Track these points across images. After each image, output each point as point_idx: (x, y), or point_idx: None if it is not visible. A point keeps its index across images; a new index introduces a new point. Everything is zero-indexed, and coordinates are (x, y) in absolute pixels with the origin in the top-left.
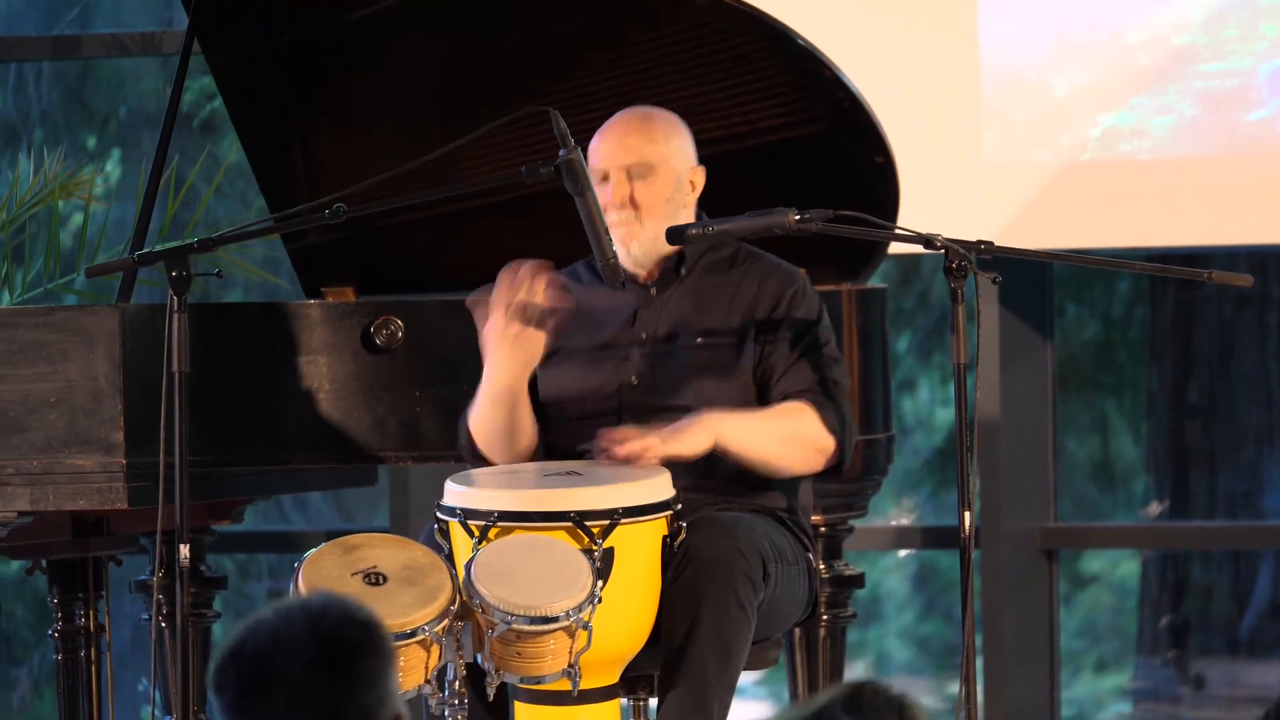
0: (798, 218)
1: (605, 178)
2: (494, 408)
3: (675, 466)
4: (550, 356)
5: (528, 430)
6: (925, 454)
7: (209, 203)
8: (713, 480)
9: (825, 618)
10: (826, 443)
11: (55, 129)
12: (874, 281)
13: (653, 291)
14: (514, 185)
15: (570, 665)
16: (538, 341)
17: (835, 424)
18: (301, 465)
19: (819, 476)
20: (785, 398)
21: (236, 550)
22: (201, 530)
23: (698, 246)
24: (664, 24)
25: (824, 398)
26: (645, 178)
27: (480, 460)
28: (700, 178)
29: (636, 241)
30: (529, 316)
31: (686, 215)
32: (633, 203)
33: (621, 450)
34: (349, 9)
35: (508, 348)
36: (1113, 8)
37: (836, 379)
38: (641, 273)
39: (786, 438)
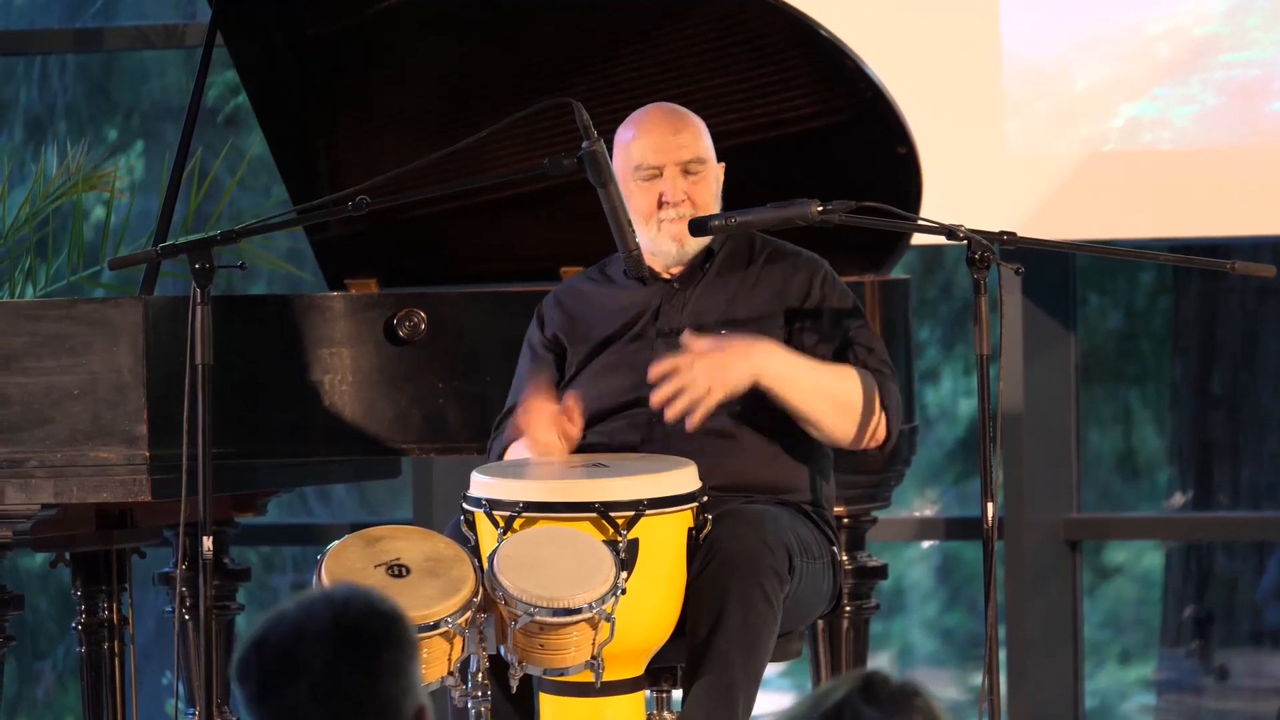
0: (821, 209)
1: (655, 174)
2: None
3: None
4: (576, 357)
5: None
6: (948, 445)
7: (232, 195)
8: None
9: (848, 609)
10: (878, 419)
11: (79, 122)
12: (897, 272)
13: (676, 286)
14: (537, 177)
15: (593, 657)
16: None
17: (891, 405)
18: (324, 458)
19: (849, 460)
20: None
21: (260, 543)
22: (225, 523)
23: (719, 239)
24: (687, 16)
25: (880, 375)
26: (698, 174)
27: None
28: (721, 174)
29: (691, 240)
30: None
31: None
32: (691, 200)
33: (671, 412)
34: (372, 2)
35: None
36: None
37: (886, 359)
38: (666, 268)
39: (835, 397)
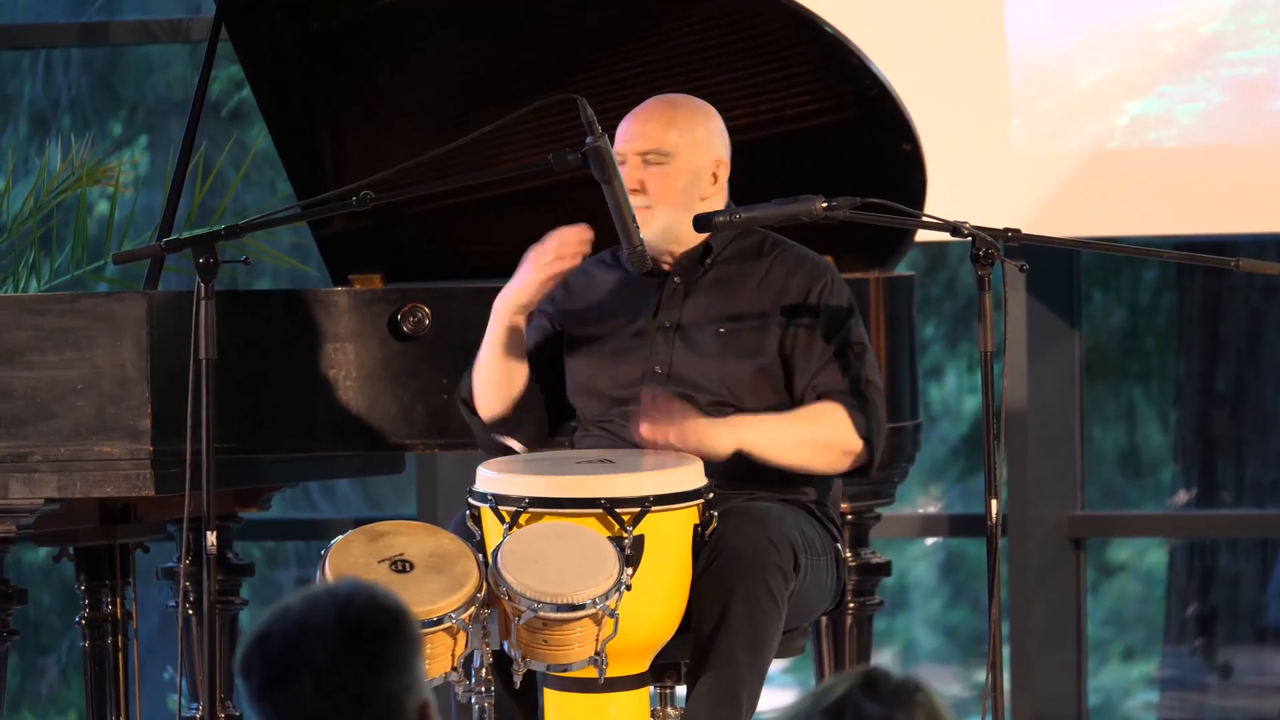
0: (825, 205)
1: (623, 162)
2: (496, 345)
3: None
4: (576, 345)
5: (519, 381)
6: (952, 442)
7: (236, 190)
8: (742, 472)
9: (852, 606)
10: (855, 446)
11: (83, 116)
12: (901, 269)
13: (678, 279)
14: (542, 172)
15: (597, 653)
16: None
17: (866, 428)
18: (329, 453)
19: (845, 474)
20: (820, 396)
21: (264, 538)
22: (228, 517)
23: (725, 235)
24: (693, 12)
25: (858, 399)
26: (660, 165)
27: (470, 408)
28: (724, 172)
29: (646, 228)
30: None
31: (704, 208)
32: (645, 189)
33: (648, 431)
34: None
35: (541, 268)
36: None
37: (870, 378)
38: (666, 261)
39: (814, 442)
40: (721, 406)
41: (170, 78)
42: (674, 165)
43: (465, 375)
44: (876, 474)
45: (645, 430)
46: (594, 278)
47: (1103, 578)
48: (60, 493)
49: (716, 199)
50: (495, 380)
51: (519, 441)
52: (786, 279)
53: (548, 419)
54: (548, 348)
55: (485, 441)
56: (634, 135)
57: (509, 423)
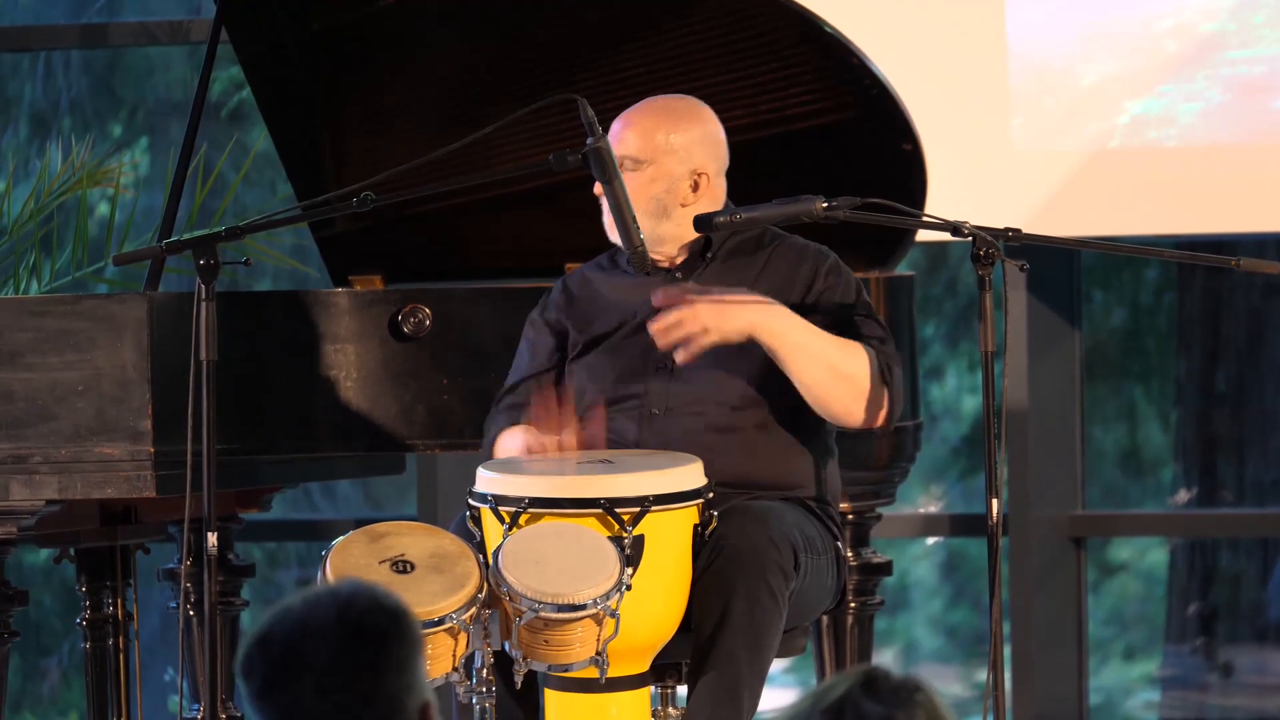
0: (825, 205)
1: None
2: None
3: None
4: (578, 346)
5: None
6: (953, 441)
7: (237, 191)
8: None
9: (853, 605)
10: (878, 391)
11: (84, 118)
12: (901, 269)
13: (678, 276)
14: (542, 173)
15: (598, 653)
16: None
17: (891, 381)
18: (329, 454)
19: (854, 456)
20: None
21: (265, 539)
22: (229, 518)
23: (723, 232)
24: (693, 12)
25: (884, 356)
26: (632, 171)
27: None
28: (707, 181)
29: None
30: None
31: (682, 215)
32: None
33: (663, 341)
34: None
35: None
36: None
37: (888, 340)
38: (666, 260)
39: (836, 367)
40: (727, 406)
41: (170, 79)
42: (647, 173)
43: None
44: (875, 461)
45: (658, 300)
46: (595, 281)
47: (1104, 577)
48: (61, 494)
49: (699, 206)
50: None
51: None
52: (790, 272)
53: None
54: (556, 356)
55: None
56: (614, 138)
57: None
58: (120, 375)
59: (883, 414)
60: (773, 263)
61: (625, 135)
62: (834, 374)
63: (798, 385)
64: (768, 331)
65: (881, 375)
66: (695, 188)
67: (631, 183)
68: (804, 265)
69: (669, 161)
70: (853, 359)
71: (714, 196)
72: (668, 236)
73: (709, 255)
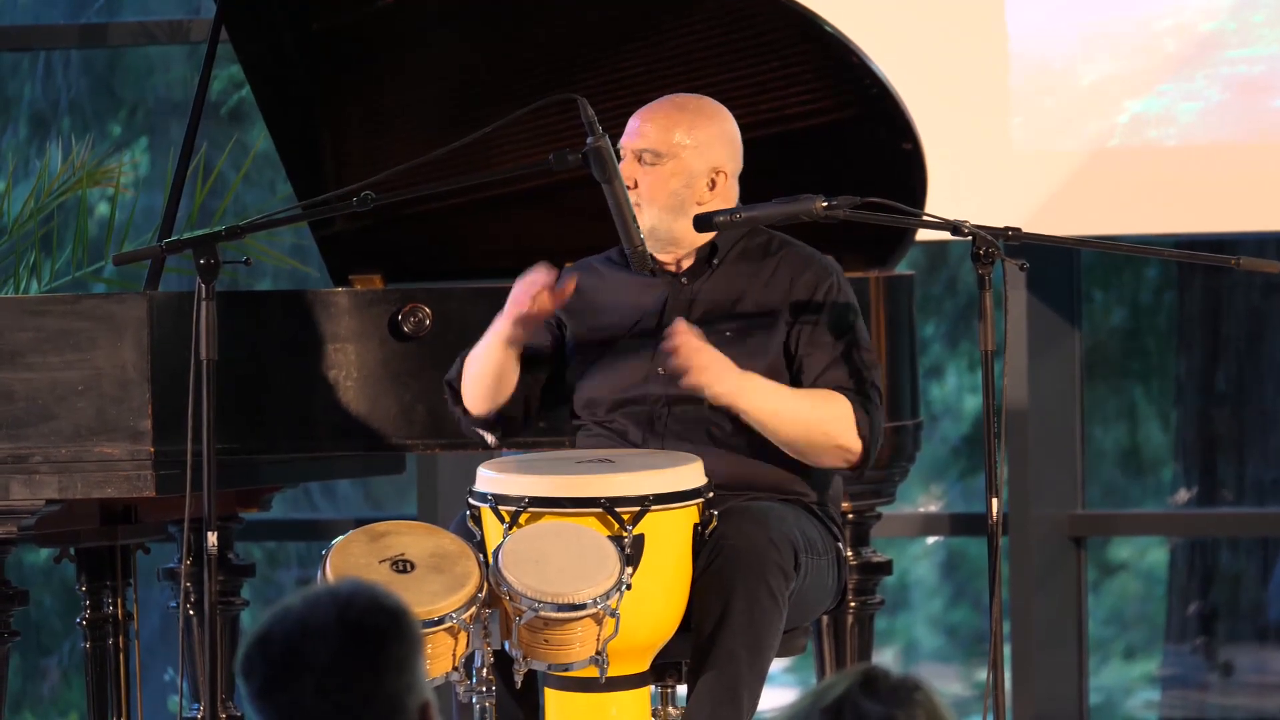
0: (825, 204)
1: (623, 157)
2: (489, 353)
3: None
4: (580, 344)
5: (505, 393)
6: (953, 441)
7: (237, 190)
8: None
9: (853, 605)
10: (851, 443)
11: (83, 118)
12: (901, 268)
13: (684, 280)
14: (542, 172)
15: (598, 652)
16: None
17: (867, 430)
18: (329, 453)
19: (834, 470)
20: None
21: (265, 538)
22: (229, 518)
23: (731, 235)
24: (694, 12)
25: (863, 400)
26: (652, 165)
27: (458, 398)
28: (724, 180)
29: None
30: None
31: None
32: (636, 187)
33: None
34: None
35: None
36: None
37: (876, 383)
38: (666, 263)
39: (811, 424)
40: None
41: (170, 79)
42: (667, 167)
43: (457, 361)
44: (868, 472)
45: (675, 333)
46: (601, 277)
47: (1104, 576)
48: (61, 494)
49: (714, 205)
50: (482, 392)
51: (494, 437)
52: (793, 280)
53: (527, 419)
54: (549, 347)
55: (463, 423)
56: (634, 132)
57: (486, 422)
58: (120, 375)
59: (857, 460)
60: (780, 271)
61: (645, 129)
62: (811, 431)
63: (774, 436)
64: (748, 396)
65: (859, 426)
66: (712, 186)
67: (650, 177)
68: (806, 274)
69: (689, 157)
70: (831, 415)
71: (727, 199)
72: (682, 237)
73: (715, 261)
